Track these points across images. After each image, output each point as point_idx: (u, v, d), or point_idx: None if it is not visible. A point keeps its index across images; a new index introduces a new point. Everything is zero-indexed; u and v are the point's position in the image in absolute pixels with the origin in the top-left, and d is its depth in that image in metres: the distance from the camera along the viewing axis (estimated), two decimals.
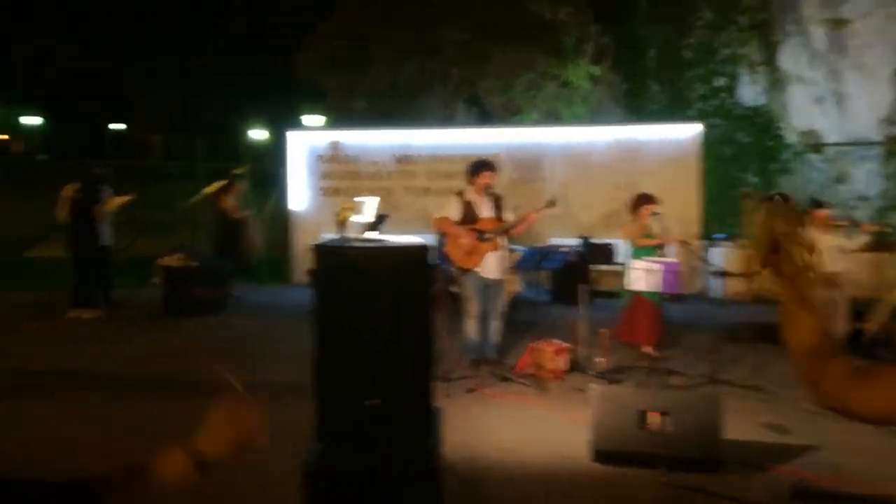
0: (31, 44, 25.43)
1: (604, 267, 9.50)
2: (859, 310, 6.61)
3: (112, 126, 21.29)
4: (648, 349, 6.33)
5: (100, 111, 24.36)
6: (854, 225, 7.29)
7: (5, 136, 25.31)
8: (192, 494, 1.41)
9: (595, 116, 13.68)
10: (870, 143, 12.01)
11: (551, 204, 6.19)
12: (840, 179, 12.10)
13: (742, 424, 4.68)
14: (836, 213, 7.46)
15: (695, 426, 4.00)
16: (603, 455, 4.13)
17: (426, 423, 3.21)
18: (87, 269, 8.69)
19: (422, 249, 3.33)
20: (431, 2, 14.17)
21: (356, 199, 3.77)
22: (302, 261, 11.09)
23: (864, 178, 11.72)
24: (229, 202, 10.13)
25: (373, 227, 6.60)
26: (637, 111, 13.83)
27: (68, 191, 8.79)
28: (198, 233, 11.56)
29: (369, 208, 3.73)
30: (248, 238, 10.38)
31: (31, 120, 26.21)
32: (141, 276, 10.88)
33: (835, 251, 6.58)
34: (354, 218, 3.64)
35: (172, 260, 9.08)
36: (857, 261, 7.20)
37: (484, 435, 4.68)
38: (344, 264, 3.21)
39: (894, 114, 12.16)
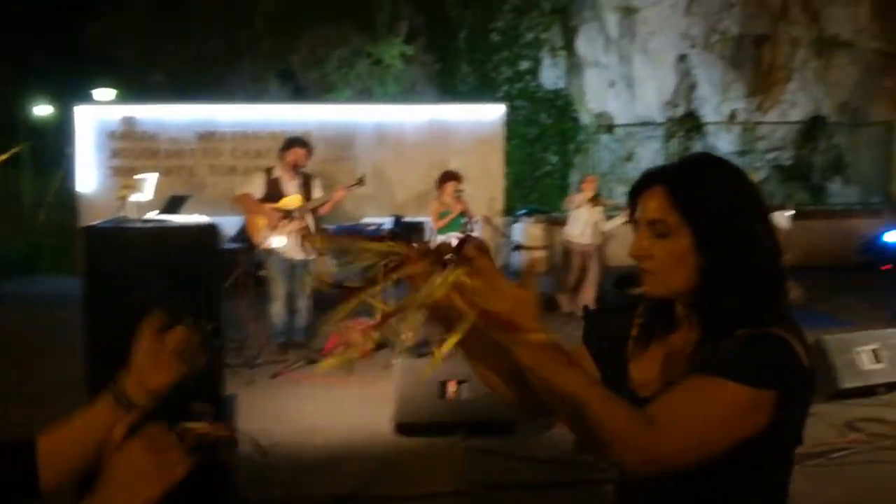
0: None
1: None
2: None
3: None
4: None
5: None
6: (616, 208, 7.84)
7: None
8: None
9: (408, 96, 13.78)
10: (655, 124, 13.25)
11: (360, 182, 6.15)
12: (628, 158, 13.24)
13: None
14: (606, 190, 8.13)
15: (489, 392, 4.16)
16: (405, 427, 4.20)
17: (215, 412, 3.06)
18: None
19: (207, 229, 3.16)
20: None
21: (136, 176, 3.51)
22: None
23: (650, 156, 12.91)
24: None
25: (172, 208, 6.17)
26: (449, 92, 14.12)
27: None
28: None
29: (150, 186, 3.47)
30: None
31: None
32: None
33: (595, 225, 7.39)
34: (134, 197, 3.37)
35: None
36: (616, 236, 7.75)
37: (287, 419, 4.60)
38: (118, 246, 2.97)
39: (676, 97, 13.50)
